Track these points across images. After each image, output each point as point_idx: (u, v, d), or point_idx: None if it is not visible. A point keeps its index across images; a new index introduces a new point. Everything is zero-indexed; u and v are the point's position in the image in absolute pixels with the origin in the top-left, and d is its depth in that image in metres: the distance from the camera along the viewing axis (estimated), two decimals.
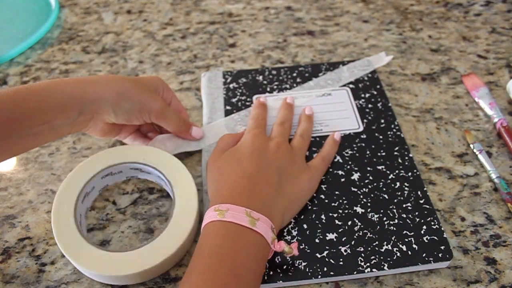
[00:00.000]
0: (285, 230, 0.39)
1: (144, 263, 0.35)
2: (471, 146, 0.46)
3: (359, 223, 0.39)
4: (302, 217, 0.39)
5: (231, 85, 0.52)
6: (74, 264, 0.36)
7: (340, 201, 0.40)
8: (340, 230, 0.38)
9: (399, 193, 0.41)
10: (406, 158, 0.44)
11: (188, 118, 0.47)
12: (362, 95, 0.50)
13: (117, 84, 0.39)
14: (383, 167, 0.43)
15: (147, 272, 0.36)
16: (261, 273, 0.33)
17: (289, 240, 0.38)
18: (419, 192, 0.41)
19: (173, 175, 0.41)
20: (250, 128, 0.44)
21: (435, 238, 0.37)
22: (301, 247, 0.37)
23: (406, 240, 0.37)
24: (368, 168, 0.43)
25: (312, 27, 0.63)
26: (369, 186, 0.41)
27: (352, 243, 0.37)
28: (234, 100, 0.50)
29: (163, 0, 0.69)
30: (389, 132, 0.46)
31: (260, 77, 0.53)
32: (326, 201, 0.41)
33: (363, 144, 0.45)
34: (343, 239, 0.38)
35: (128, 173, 0.43)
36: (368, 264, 0.36)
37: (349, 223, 0.39)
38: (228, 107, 0.49)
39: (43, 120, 0.36)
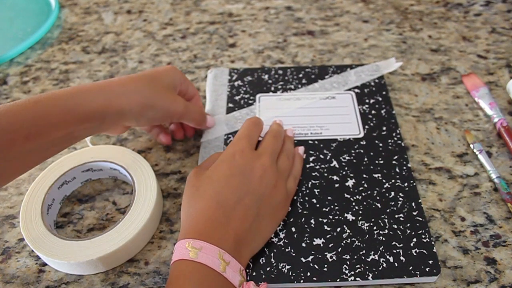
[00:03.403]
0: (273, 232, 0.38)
1: (97, 251, 0.36)
2: (471, 146, 0.46)
3: (348, 230, 0.38)
4: (291, 220, 0.39)
5: (235, 83, 0.52)
6: (27, 242, 0.37)
7: (332, 206, 0.40)
8: (328, 236, 0.38)
9: (393, 203, 0.40)
10: (404, 168, 0.43)
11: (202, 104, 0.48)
12: (367, 101, 0.49)
13: (140, 95, 0.38)
14: (379, 175, 0.42)
15: (102, 260, 0.36)
16: None
17: (274, 239, 0.38)
18: (413, 204, 0.40)
19: (133, 169, 0.42)
20: (238, 138, 0.40)
21: (424, 251, 0.37)
22: (286, 250, 0.37)
23: (394, 251, 0.37)
24: (364, 176, 0.42)
25: (312, 27, 0.63)
26: (363, 194, 0.41)
27: (339, 250, 0.37)
28: (237, 98, 0.50)
29: (163, 0, 0.69)
30: (389, 140, 0.45)
31: (266, 76, 0.53)
32: (318, 205, 0.40)
33: (362, 151, 0.44)
34: (330, 245, 0.37)
35: (109, 173, 0.44)
36: (352, 272, 0.36)
37: (338, 229, 0.38)
38: (230, 105, 0.49)
39: (65, 132, 0.35)
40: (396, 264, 0.36)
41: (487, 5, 0.65)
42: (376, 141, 0.45)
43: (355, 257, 0.37)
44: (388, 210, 0.40)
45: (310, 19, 0.64)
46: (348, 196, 0.41)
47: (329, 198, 0.41)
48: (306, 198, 0.41)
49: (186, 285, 0.31)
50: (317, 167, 0.43)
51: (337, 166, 0.43)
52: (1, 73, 0.58)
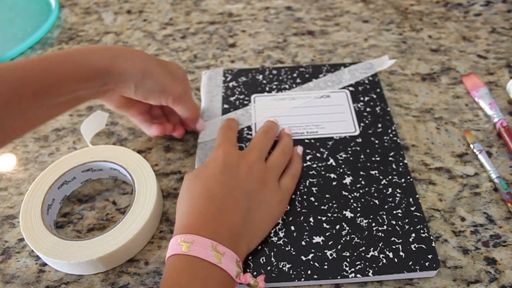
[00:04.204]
0: (272, 232, 0.38)
1: (98, 250, 0.36)
2: (471, 146, 0.46)
3: (347, 228, 0.38)
4: (291, 219, 0.39)
5: (230, 84, 0.52)
6: (27, 242, 0.38)
7: (330, 204, 0.40)
8: (327, 234, 0.38)
9: (391, 199, 0.40)
10: (401, 164, 0.43)
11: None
12: (361, 98, 0.49)
13: (143, 61, 0.39)
14: (376, 172, 0.42)
15: (102, 260, 0.36)
16: None
17: (272, 239, 0.38)
18: (411, 199, 0.40)
19: (134, 170, 0.42)
20: (218, 143, 0.42)
21: (423, 246, 0.37)
22: (286, 249, 0.37)
23: (394, 247, 0.37)
24: (361, 173, 0.42)
25: (312, 27, 0.63)
26: (361, 191, 0.41)
27: (339, 247, 0.37)
28: (232, 98, 0.50)
29: (163, 0, 0.69)
30: (385, 137, 0.45)
31: (260, 77, 0.53)
32: (316, 203, 0.40)
33: (358, 148, 0.45)
34: (329, 243, 0.37)
35: (109, 173, 0.44)
36: (352, 269, 0.36)
37: (337, 227, 0.38)
38: (225, 106, 0.50)
39: (70, 90, 0.35)
40: (395, 260, 0.36)
41: (487, 5, 0.65)
42: (372, 138, 0.45)
43: (355, 254, 0.37)
44: (386, 207, 0.40)
45: (310, 19, 0.64)
46: (346, 194, 0.41)
47: (327, 196, 0.41)
48: (304, 197, 0.41)
49: (180, 279, 0.31)
50: (314, 165, 0.43)
51: (334, 164, 0.43)
52: None
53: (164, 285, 0.31)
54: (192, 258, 0.32)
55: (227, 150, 0.40)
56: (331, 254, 0.37)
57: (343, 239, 0.38)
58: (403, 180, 0.42)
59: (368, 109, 0.48)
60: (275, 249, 0.37)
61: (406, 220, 0.39)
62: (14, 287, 0.37)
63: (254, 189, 0.37)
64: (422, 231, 0.38)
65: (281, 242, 0.38)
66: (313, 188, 0.41)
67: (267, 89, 0.51)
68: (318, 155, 0.44)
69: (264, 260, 0.37)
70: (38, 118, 0.35)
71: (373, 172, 0.42)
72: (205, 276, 0.31)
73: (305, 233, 0.38)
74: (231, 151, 0.40)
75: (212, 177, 0.37)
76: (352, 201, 0.40)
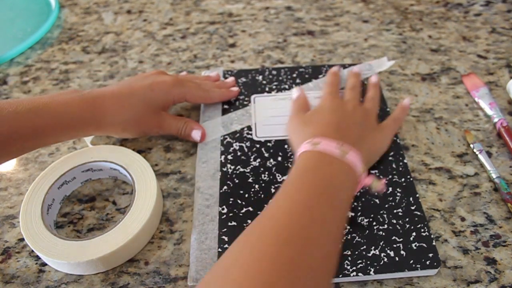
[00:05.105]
0: None
1: (98, 250, 0.36)
2: (471, 146, 0.46)
3: (348, 227, 0.38)
4: None
5: None
6: (27, 241, 0.38)
7: None
8: None
9: (391, 198, 0.40)
10: (401, 163, 0.43)
11: (216, 92, 0.50)
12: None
13: (123, 120, 0.43)
14: (376, 171, 0.43)
15: (102, 260, 0.36)
16: (349, 205, 0.35)
17: None
18: (411, 199, 0.40)
19: (134, 169, 0.43)
20: (325, 92, 0.46)
21: (424, 245, 0.37)
22: None
23: (395, 246, 0.37)
24: None
25: (312, 27, 0.63)
26: (361, 190, 0.41)
27: (339, 246, 0.37)
28: (232, 99, 0.50)
29: (163, 0, 0.69)
30: None
31: (260, 77, 0.53)
32: None
33: None
34: None
35: (109, 173, 0.44)
36: (354, 268, 0.36)
37: None
38: (225, 106, 0.49)
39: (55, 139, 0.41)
40: (396, 258, 0.36)
41: (487, 5, 0.65)
42: None
43: (356, 252, 0.37)
44: (386, 205, 0.40)
45: (310, 19, 0.64)
46: None
47: None
48: None
49: (306, 168, 0.35)
50: None
51: None
52: (1, 73, 0.58)
53: (292, 177, 0.34)
54: (319, 153, 0.35)
55: (332, 97, 0.45)
56: None
57: (344, 238, 0.38)
58: (403, 179, 0.42)
59: None
60: None
61: (407, 219, 0.39)
62: (14, 287, 0.37)
63: (360, 122, 0.42)
64: (422, 230, 0.38)
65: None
66: None
67: (267, 89, 0.51)
68: None
69: None
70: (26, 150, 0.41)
71: (373, 172, 0.42)
72: (330, 170, 0.34)
73: None
74: (335, 97, 0.45)
75: (327, 112, 0.42)
76: (352, 200, 0.40)
